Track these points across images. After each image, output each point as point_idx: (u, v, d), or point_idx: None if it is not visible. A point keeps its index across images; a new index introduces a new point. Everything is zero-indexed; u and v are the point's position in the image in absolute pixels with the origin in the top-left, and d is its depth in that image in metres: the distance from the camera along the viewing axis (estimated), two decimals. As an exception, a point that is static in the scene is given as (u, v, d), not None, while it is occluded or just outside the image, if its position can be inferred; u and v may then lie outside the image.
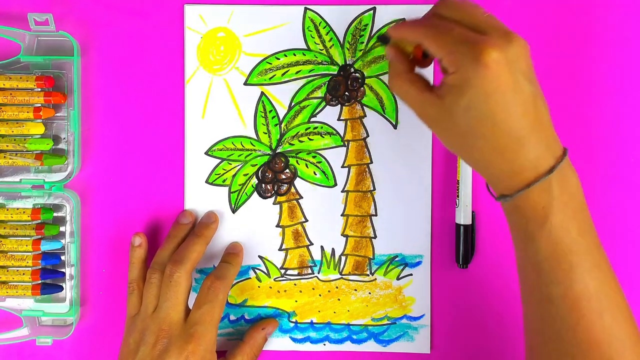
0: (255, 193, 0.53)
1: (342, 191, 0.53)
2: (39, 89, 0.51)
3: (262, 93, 0.52)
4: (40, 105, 0.51)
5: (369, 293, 0.53)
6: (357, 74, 0.52)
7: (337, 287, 0.53)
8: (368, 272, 0.53)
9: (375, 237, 0.53)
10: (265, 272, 0.53)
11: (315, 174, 0.53)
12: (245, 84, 0.52)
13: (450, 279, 0.53)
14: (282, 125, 0.52)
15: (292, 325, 0.53)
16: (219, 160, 0.53)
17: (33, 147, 0.51)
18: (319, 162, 0.53)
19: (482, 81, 0.37)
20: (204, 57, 0.52)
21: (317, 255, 0.53)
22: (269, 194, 0.53)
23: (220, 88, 0.52)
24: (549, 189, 0.39)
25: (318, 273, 0.53)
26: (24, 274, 0.51)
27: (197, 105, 0.52)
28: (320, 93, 0.52)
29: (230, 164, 0.53)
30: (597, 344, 0.39)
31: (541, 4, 0.52)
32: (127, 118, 0.53)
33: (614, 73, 0.52)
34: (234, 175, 0.53)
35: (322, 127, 0.52)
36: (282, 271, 0.53)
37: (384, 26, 0.52)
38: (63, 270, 0.52)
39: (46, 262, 0.51)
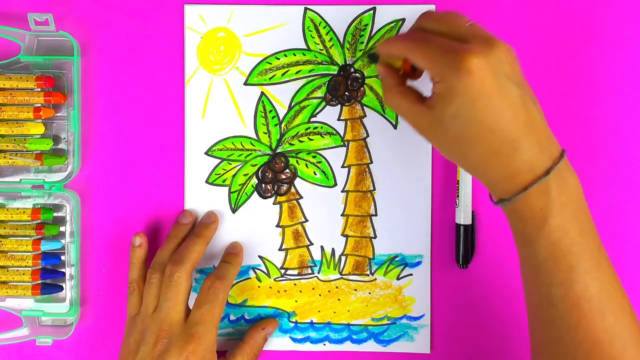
0: (255, 193, 0.53)
1: (342, 191, 0.53)
2: (39, 89, 0.51)
3: (262, 93, 0.52)
4: (40, 105, 0.51)
5: (369, 293, 0.53)
6: (357, 74, 0.52)
7: (337, 287, 0.53)
8: (368, 272, 0.53)
9: (375, 237, 0.53)
10: (265, 272, 0.53)
11: (315, 174, 0.53)
12: (245, 84, 0.52)
13: (450, 279, 0.53)
14: (282, 125, 0.52)
15: (292, 325, 0.53)
16: (219, 160, 0.53)
17: (33, 147, 0.51)
18: (319, 162, 0.53)
19: (466, 88, 0.38)
20: (204, 57, 0.52)
21: (317, 255, 0.53)
22: (269, 194, 0.53)
23: (220, 88, 0.52)
24: (547, 190, 0.39)
25: (318, 273, 0.53)
26: (24, 274, 0.51)
27: (197, 105, 0.52)
28: (320, 93, 0.52)
29: (230, 164, 0.53)
30: (599, 344, 0.39)
31: (541, 5, 0.52)
32: (127, 118, 0.53)
33: (613, 73, 0.52)
34: (234, 175, 0.53)
35: (322, 127, 0.52)
36: (282, 271, 0.53)
37: (381, 28, 0.52)
38: (63, 270, 0.52)
39: (46, 262, 0.51)
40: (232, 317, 0.53)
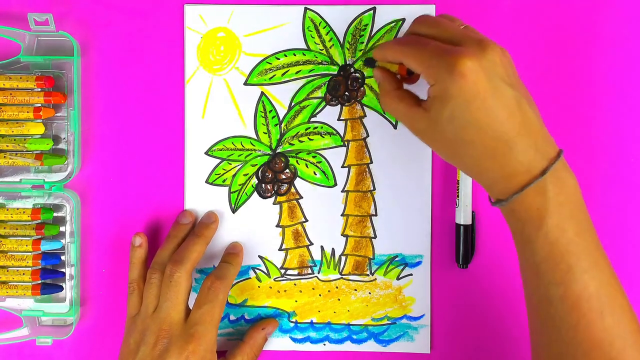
0: (255, 193, 0.53)
1: (342, 191, 0.53)
2: (39, 89, 0.51)
3: (262, 93, 0.52)
4: (40, 105, 0.51)
5: (369, 293, 0.53)
6: (357, 74, 0.52)
7: (337, 287, 0.53)
8: (368, 272, 0.53)
9: (375, 237, 0.53)
10: (265, 272, 0.53)
11: (315, 174, 0.53)
12: (245, 84, 0.52)
13: (450, 279, 0.53)
14: (282, 125, 0.52)
15: (292, 325, 0.53)
16: (219, 160, 0.53)
17: (33, 147, 0.51)
18: (319, 162, 0.53)
19: (460, 90, 0.38)
20: (204, 57, 0.52)
21: (317, 255, 0.53)
22: (269, 194, 0.53)
23: (220, 88, 0.52)
24: (544, 191, 0.39)
25: (318, 273, 0.53)
26: (24, 274, 0.51)
27: (197, 105, 0.52)
28: (320, 93, 0.52)
29: (230, 164, 0.53)
30: (598, 344, 0.39)
31: (541, 5, 0.52)
32: (127, 118, 0.53)
33: (613, 73, 0.52)
34: (234, 175, 0.53)
35: (322, 127, 0.52)
36: (282, 271, 0.53)
37: (381, 28, 0.52)
38: (63, 270, 0.52)
39: (46, 262, 0.51)
40: (232, 317, 0.53)
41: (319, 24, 0.52)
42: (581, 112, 0.52)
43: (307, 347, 0.53)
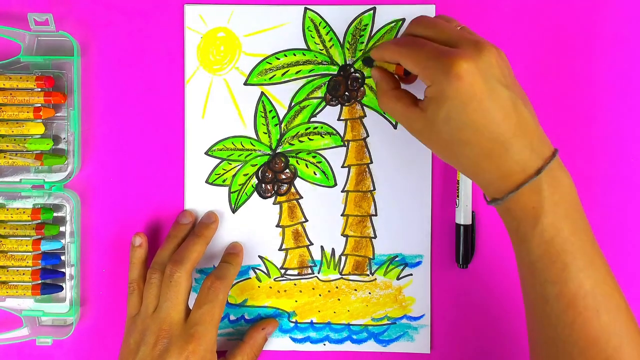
0: (255, 193, 0.53)
1: (342, 191, 0.53)
2: (39, 89, 0.51)
3: (262, 93, 0.52)
4: (40, 105, 0.51)
5: (369, 293, 0.53)
6: (357, 74, 0.52)
7: (337, 287, 0.53)
8: (368, 272, 0.53)
9: (375, 237, 0.53)
10: (265, 272, 0.53)
11: (315, 174, 0.53)
12: (245, 84, 0.52)
13: (450, 279, 0.53)
14: (282, 125, 0.52)
15: (292, 325, 0.53)
16: (219, 160, 0.53)
17: (33, 147, 0.51)
18: (319, 162, 0.53)
19: (456, 92, 0.39)
20: (204, 57, 0.52)
21: (317, 255, 0.53)
22: (269, 194, 0.53)
23: (220, 88, 0.52)
24: (539, 190, 0.39)
25: (318, 273, 0.53)
26: (24, 274, 0.51)
27: (197, 105, 0.52)
28: (320, 93, 0.52)
29: (230, 164, 0.53)
30: (595, 342, 0.39)
31: (541, 5, 0.52)
32: (127, 118, 0.53)
33: (613, 73, 0.52)
34: (234, 175, 0.53)
35: (322, 127, 0.52)
36: (282, 271, 0.53)
37: (381, 28, 0.52)
38: (63, 270, 0.52)
39: (46, 262, 0.51)
40: (232, 317, 0.53)
41: (319, 24, 0.52)
42: (581, 112, 0.52)
43: (307, 347, 0.53)
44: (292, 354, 0.53)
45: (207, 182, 0.53)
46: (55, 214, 0.52)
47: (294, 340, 0.53)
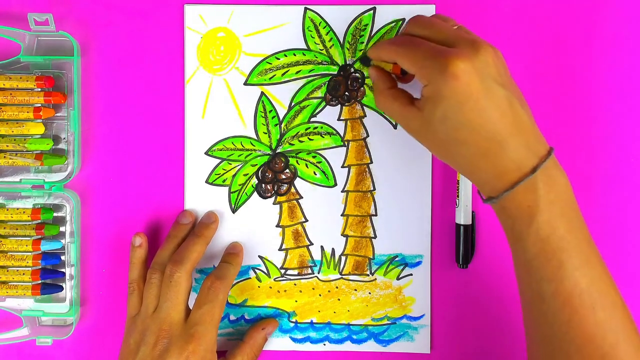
0: (255, 193, 0.53)
1: (342, 191, 0.53)
2: (39, 89, 0.51)
3: (262, 93, 0.52)
4: (40, 105, 0.51)
5: (369, 293, 0.53)
6: (357, 74, 0.52)
7: (337, 287, 0.53)
8: (368, 272, 0.53)
9: (375, 237, 0.53)
10: (265, 272, 0.53)
11: (315, 174, 0.53)
12: (245, 84, 0.52)
13: (450, 279, 0.53)
14: (282, 125, 0.52)
15: (292, 325, 0.53)
16: (219, 160, 0.53)
17: (33, 147, 0.51)
18: (319, 162, 0.53)
19: (452, 91, 0.39)
20: (204, 57, 0.52)
21: (317, 255, 0.53)
22: (269, 194, 0.53)
23: (220, 88, 0.52)
24: (534, 188, 0.39)
25: (318, 273, 0.53)
26: (24, 274, 0.51)
27: (197, 105, 0.52)
28: (320, 93, 0.52)
29: (230, 164, 0.53)
30: (591, 339, 0.39)
31: (541, 5, 0.52)
32: (127, 118, 0.53)
33: (613, 73, 0.52)
34: (234, 175, 0.53)
35: (322, 127, 0.52)
36: (282, 271, 0.53)
37: (381, 28, 0.52)
38: (63, 270, 0.52)
39: (46, 262, 0.51)
40: (232, 317, 0.53)
41: (319, 24, 0.52)
42: (581, 112, 0.52)
43: (307, 347, 0.53)
44: (292, 354, 0.53)
45: (207, 182, 0.53)
46: (55, 214, 0.52)
47: (294, 340, 0.53)
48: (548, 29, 0.52)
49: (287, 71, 0.52)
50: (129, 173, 0.53)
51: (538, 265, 0.40)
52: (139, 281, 0.50)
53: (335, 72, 0.52)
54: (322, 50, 0.52)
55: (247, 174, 0.53)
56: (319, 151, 0.53)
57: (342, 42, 0.52)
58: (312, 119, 0.52)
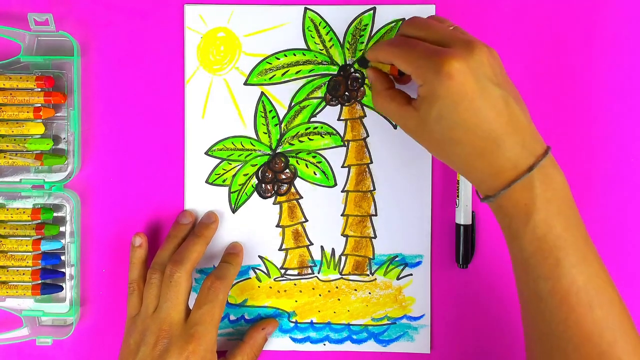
0: (255, 193, 0.53)
1: (342, 191, 0.53)
2: (39, 89, 0.51)
3: (262, 93, 0.52)
4: (40, 105, 0.51)
5: (369, 293, 0.53)
6: (357, 74, 0.52)
7: (337, 287, 0.53)
8: (368, 272, 0.53)
9: (375, 237, 0.53)
10: (265, 272, 0.53)
11: (315, 174, 0.53)
12: (245, 84, 0.52)
13: (450, 279, 0.53)
14: (282, 125, 0.52)
15: (292, 325, 0.53)
16: (219, 160, 0.53)
17: (33, 147, 0.51)
18: (319, 162, 0.53)
19: (447, 91, 0.39)
20: (204, 57, 0.52)
21: (317, 255, 0.53)
22: (269, 194, 0.53)
23: (220, 88, 0.52)
24: (531, 187, 0.40)
25: (318, 273, 0.53)
26: (24, 274, 0.51)
27: (197, 105, 0.52)
28: (320, 93, 0.52)
29: (230, 164, 0.53)
30: (588, 337, 0.39)
31: (541, 5, 0.52)
32: (127, 118, 0.53)
33: (613, 73, 0.52)
34: (234, 175, 0.53)
35: (322, 127, 0.52)
36: (282, 271, 0.53)
37: (381, 28, 0.52)
38: (63, 270, 0.52)
39: (46, 262, 0.51)
40: (232, 317, 0.53)
41: (319, 24, 0.52)
42: (581, 111, 0.52)
43: (307, 347, 0.53)
44: (292, 354, 0.53)
45: (207, 182, 0.53)
46: (55, 214, 0.52)
47: (294, 340, 0.53)
48: (548, 29, 0.52)
49: (287, 71, 0.52)
50: (129, 173, 0.53)
51: (535, 263, 0.40)
52: (139, 281, 0.50)
53: (335, 72, 0.52)
54: (322, 50, 0.52)
55: (247, 174, 0.53)
56: (319, 151, 0.53)
57: (342, 42, 0.52)
58: (312, 119, 0.52)
